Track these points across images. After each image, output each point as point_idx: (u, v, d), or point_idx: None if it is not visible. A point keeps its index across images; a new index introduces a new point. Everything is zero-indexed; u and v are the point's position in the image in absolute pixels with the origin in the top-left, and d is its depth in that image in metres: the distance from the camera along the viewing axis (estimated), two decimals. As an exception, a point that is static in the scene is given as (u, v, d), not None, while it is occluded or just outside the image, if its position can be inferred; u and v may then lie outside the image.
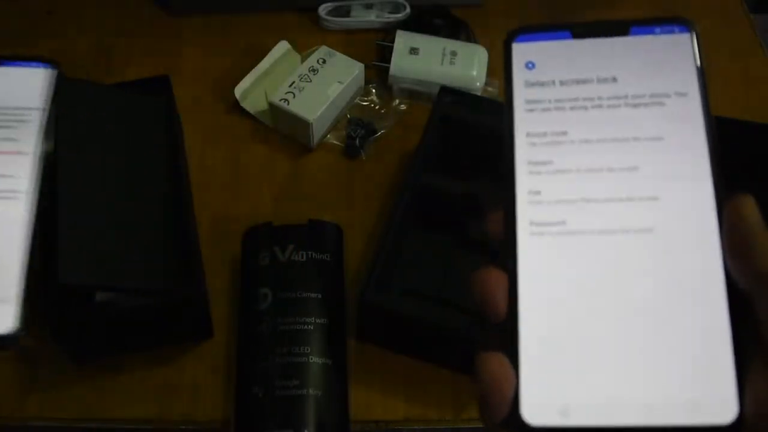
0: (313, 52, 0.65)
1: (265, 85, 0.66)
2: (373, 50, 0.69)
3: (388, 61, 0.65)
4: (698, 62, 0.30)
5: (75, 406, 0.50)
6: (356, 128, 0.63)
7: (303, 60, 0.67)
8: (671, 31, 0.30)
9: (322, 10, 0.71)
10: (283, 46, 0.68)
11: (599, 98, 0.29)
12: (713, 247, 0.26)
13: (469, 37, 0.71)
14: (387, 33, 0.70)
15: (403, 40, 0.65)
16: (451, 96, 0.59)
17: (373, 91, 0.67)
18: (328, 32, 0.71)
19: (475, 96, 0.62)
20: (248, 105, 0.65)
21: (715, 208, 0.26)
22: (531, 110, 0.29)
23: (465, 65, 0.64)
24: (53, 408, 0.50)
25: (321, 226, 0.53)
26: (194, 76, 0.68)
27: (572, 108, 0.29)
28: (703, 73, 0.29)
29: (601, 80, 0.29)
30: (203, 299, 0.52)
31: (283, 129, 0.64)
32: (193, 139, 0.63)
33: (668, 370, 0.24)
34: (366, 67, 0.65)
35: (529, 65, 0.30)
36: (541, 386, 0.25)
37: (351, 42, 0.71)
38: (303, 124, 0.60)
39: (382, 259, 0.50)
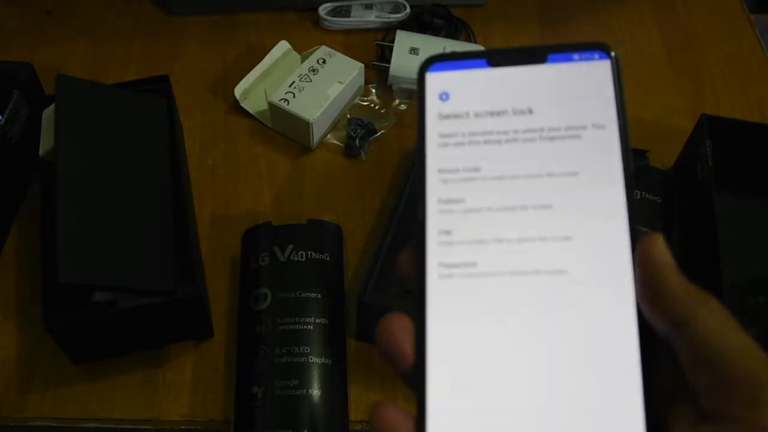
0: (313, 52, 0.65)
1: (265, 85, 0.66)
2: (373, 50, 0.69)
3: (388, 61, 0.65)
4: (617, 91, 0.28)
5: (75, 406, 0.50)
6: (356, 128, 0.63)
7: (303, 60, 0.67)
8: (590, 58, 0.28)
9: (322, 10, 0.71)
10: (283, 46, 0.68)
11: (514, 131, 0.27)
12: (626, 289, 0.25)
13: (469, 37, 0.71)
14: (387, 33, 0.70)
15: (403, 40, 0.65)
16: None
17: (373, 91, 0.67)
18: (328, 32, 0.71)
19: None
20: (248, 105, 0.65)
21: (629, 246, 0.25)
22: (444, 145, 0.28)
23: (465, 65, 0.64)
24: (53, 408, 0.50)
25: (320, 226, 0.53)
26: (194, 76, 0.68)
27: (486, 142, 0.27)
28: (622, 103, 0.27)
29: (517, 112, 0.28)
30: (203, 299, 0.52)
31: (283, 129, 0.64)
32: (193, 139, 0.63)
33: (577, 425, 0.23)
34: (366, 67, 0.65)
35: (443, 96, 0.29)
36: None
37: (351, 42, 0.71)
38: (303, 124, 0.60)
39: (382, 259, 0.50)
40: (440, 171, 0.27)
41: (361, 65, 0.64)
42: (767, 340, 0.53)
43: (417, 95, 0.29)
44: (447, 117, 0.28)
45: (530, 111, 0.28)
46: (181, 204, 0.54)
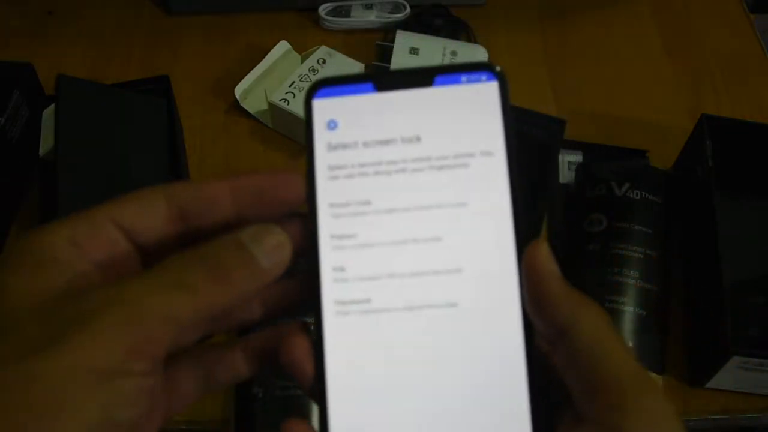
0: (313, 52, 0.65)
1: (265, 85, 0.66)
2: (373, 50, 0.69)
3: (388, 61, 0.65)
4: (504, 115, 0.27)
5: (75, 406, 0.50)
6: (356, 128, 0.63)
7: (303, 60, 0.67)
8: (478, 80, 0.27)
9: (322, 10, 0.71)
10: (283, 46, 0.68)
11: (403, 161, 0.27)
12: (514, 318, 0.25)
13: (469, 37, 0.71)
14: (387, 33, 0.70)
15: (403, 40, 0.65)
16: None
17: (373, 91, 0.66)
18: (328, 32, 0.71)
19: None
20: (248, 105, 0.65)
21: (517, 275, 0.25)
22: (334, 177, 0.27)
23: (465, 65, 0.64)
24: (53, 408, 0.50)
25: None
26: (194, 76, 0.68)
27: (376, 173, 0.27)
28: (510, 128, 0.27)
29: (405, 140, 0.27)
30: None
31: (283, 129, 0.64)
32: (193, 139, 0.63)
33: None
34: (366, 67, 0.65)
35: (332, 125, 0.28)
36: None
37: (351, 42, 0.71)
38: (303, 125, 0.60)
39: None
40: (331, 205, 0.27)
41: (361, 65, 0.64)
42: (767, 339, 0.54)
43: (305, 123, 0.28)
44: (336, 148, 0.27)
45: (418, 139, 0.27)
46: (181, 204, 0.54)
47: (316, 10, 0.71)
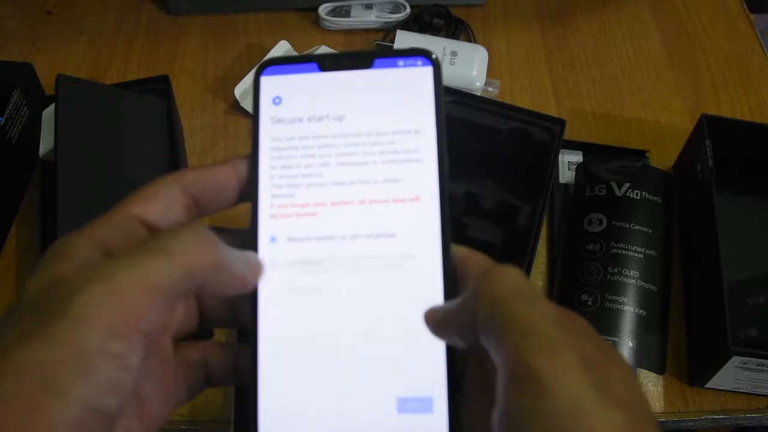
0: (313, 52, 0.65)
1: (265, 85, 0.66)
2: (373, 50, 0.69)
3: (388, 61, 0.65)
4: (436, 97, 0.29)
5: (75, 406, 0.50)
6: (356, 128, 0.63)
7: (303, 60, 0.67)
8: (414, 64, 0.29)
9: (322, 10, 0.71)
10: (283, 46, 0.68)
11: (341, 135, 0.29)
12: (436, 289, 0.26)
13: (469, 37, 0.71)
14: (387, 33, 0.70)
15: (403, 40, 0.65)
16: (451, 96, 0.59)
17: (373, 91, 0.67)
18: (328, 32, 0.71)
19: (475, 96, 0.62)
20: (248, 105, 0.65)
21: (441, 244, 0.27)
22: (276, 148, 0.29)
23: (465, 65, 0.64)
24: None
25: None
26: (194, 76, 0.68)
27: (314, 146, 0.29)
28: (440, 110, 0.29)
29: (342, 117, 0.29)
30: (203, 299, 0.52)
31: (283, 129, 0.64)
32: (193, 139, 0.63)
33: (392, 419, 0.26)
34: (366, 67, 0.65)
35: (276, 100, 0.30)
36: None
37: (351, 42, 0.71)
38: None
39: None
40: (272, 176, 0.29)
41: (361, 65, 0.64)
42: (767, 339, 0.53)
43: (252, 98, 0.30)
44: (279, 121, 0.30)
45: (356, 116, 0.29)
46: (181, 204, 0.54)
47: (316, 10, 0.71)
